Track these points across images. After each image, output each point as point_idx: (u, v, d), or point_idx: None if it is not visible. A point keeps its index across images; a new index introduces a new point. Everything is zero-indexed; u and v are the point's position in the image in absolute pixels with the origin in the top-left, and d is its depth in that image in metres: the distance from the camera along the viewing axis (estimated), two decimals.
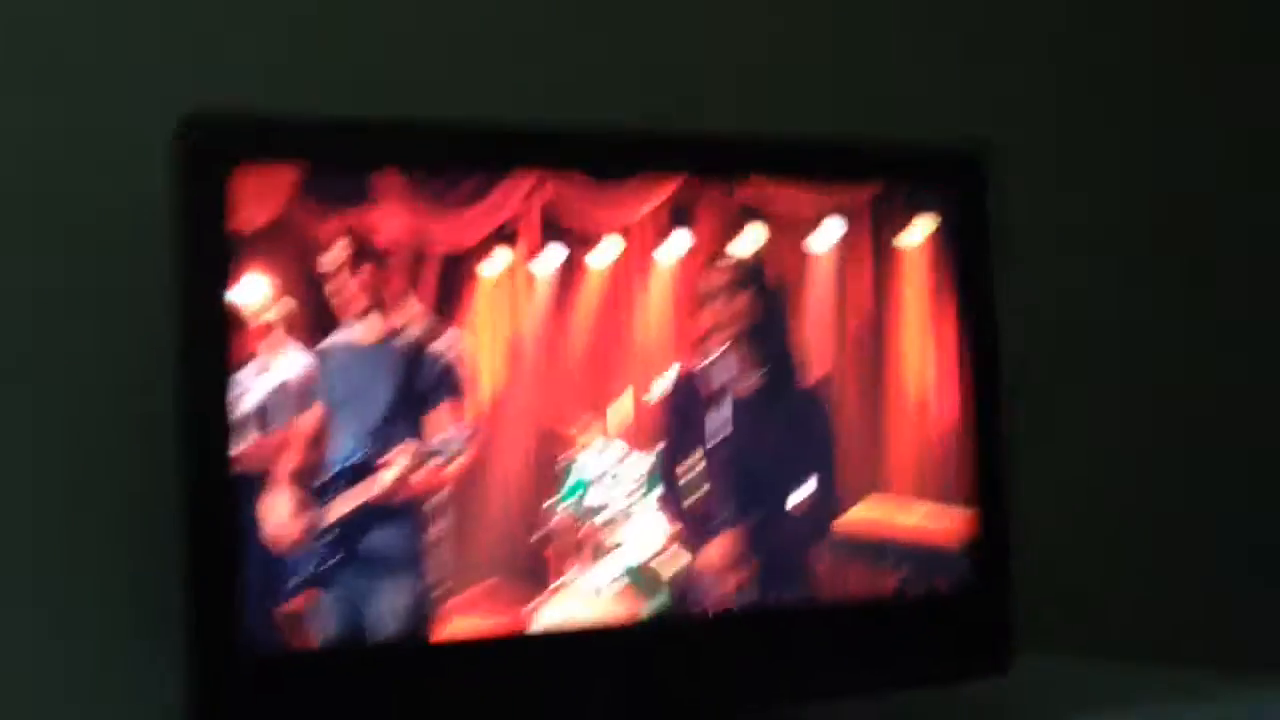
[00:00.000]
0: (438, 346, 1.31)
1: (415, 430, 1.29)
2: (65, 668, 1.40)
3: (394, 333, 1.29)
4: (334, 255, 1.27)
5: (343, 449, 1.28)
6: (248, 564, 1.23)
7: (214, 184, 1.23)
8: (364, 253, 1.28)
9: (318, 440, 1.27)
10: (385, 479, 1.27)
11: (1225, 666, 1.74)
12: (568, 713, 1.36)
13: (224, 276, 1.23)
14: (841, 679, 1.48)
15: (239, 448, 1.22)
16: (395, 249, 1.29)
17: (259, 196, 1.23)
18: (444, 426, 1.29)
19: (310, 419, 1.27)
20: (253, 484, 1.25)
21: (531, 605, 1.37)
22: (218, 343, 1.23)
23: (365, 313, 1.28)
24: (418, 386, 1.29)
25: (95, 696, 1.41)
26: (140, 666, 1.40)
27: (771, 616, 1.46)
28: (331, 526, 1.26)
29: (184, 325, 1.22)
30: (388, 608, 1.28)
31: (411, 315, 1.30)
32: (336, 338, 1.29)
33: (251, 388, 1.25)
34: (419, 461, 1.27)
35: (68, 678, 1.40)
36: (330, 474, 1.27)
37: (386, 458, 1.28)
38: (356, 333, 1.29)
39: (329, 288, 1.27)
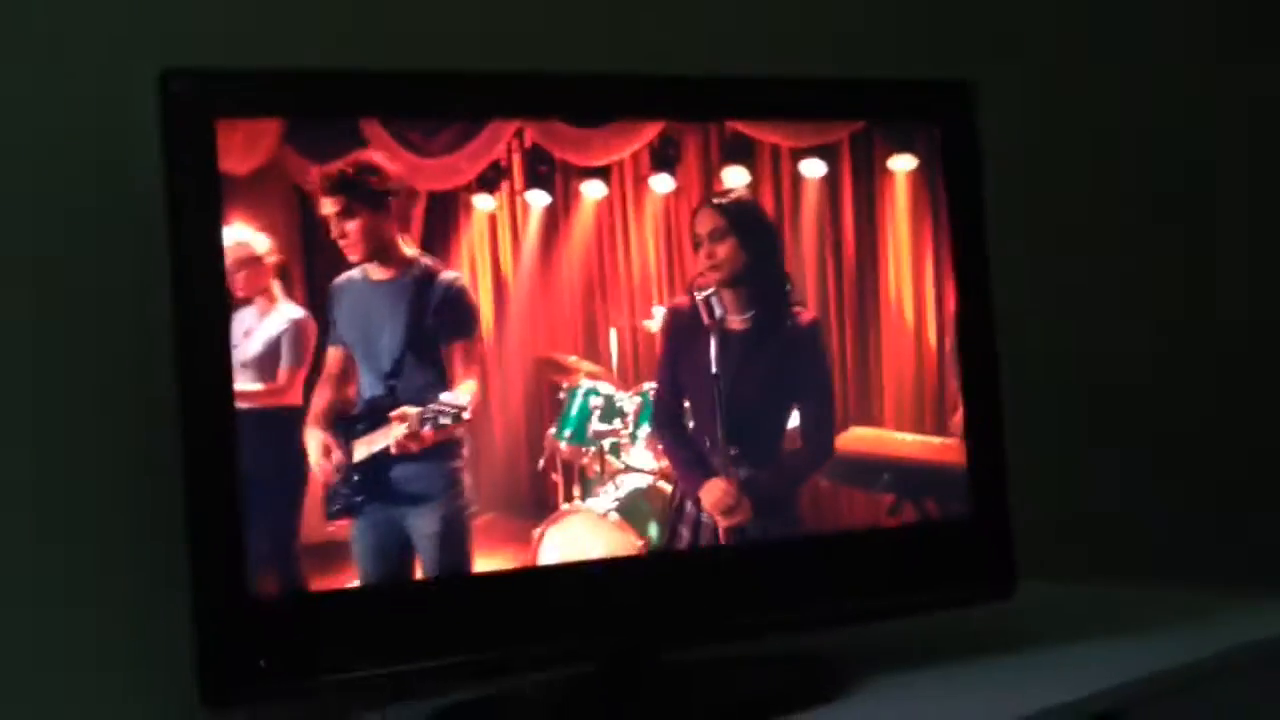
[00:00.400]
0: (445, 283, 1.33)
1: (432, 368, 1.31)
2: (69, 616, 1.40)
3: (403, 272, 1.31)
4: (329, 200, 1.29)
5: (365, 390, 1.31)
6: (250, 504, 1.25)
7: (196, 136, 1.24)
8: (360, 196, 1.29)
9: (339, 380, 1.30)
10: (398, 432, 1.29)
11: (1228, 586, 1.75)
12: (574, 643, 1.38)
13: (211, 224, 1.25)
14: (846, 608, 1.49)
15: (241, 388, 1.25)
16: (389, 191, 1.31)
17: (244, 146, 1.25)
18: (457, 366, 1.31)
19: (332, 360, 1.30)
20: (257, 424, 1.26)
21: (538, 530, 1.39)
22: (209, 287, 1.25)
23: (369, 256, 1.30)
24: (430, 324, 1.31)
25: (102, 645, 1.42)
26: (147, 610, 1.41)
27: (772, 548, 1.47)
28: (355, 466, 1.29)
29: (175, 271, 1.24)
30: (413, 540, 1.31)
31: (414, 255, 1.32)
32: (347, 279, 1.30)
33: (252, 330, 1.28)
34: (427, 421, 1.29)
35: (71, 627, 1.41)
36: (353, 413, 1.30)
37: (400, 410, 1.30)
38: (366, 274, 1.31)
39: (330, 232, 1.29)
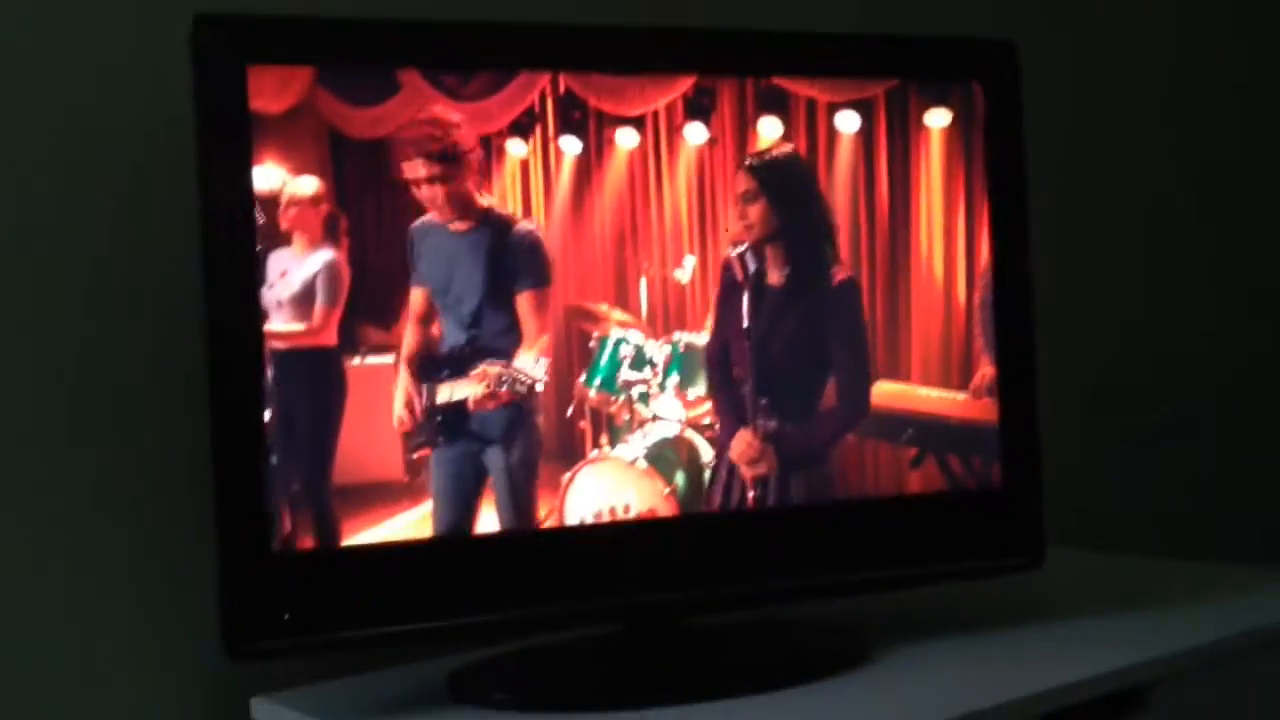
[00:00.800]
0: (520, 234, 1.36)
1: (507, 316, 1.35)
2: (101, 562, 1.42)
3: (480, 223, 1.34)
4: (417, 164, 1.31)
5: (447, 336, 1.34)
6: (281, 447, 1.26)
7: (227, 81, 1.24)
8: (442, 158, 1.32)
9: (423, 320, 1.33)
10: (477, 391, 1.34)
11: (1258, 562, 1.73)
12: (598, 604, 1.38)
13: (240, 167, 1.24)
14: (871, 576, 1.47)
15: (276, 328, 1.27)
16: (467, 148, 1.33)
17: (277, 88, 1.26)
18: (529, 314, 1.35)
19: (416, 300, 1.33)
20: (292, 364, 1.27)
21: (566, 475, 1.40)
22: (238, 229, 1.24)
23: (455, 216, 1.34)
24: (505, 274, 1.35)
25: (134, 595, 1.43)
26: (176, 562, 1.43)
27: (798, 513, 1.46)
28: (438, 408, 1.33)
29: (204, 214, 1.24)
30: (490, 473, 1.36)
31: (490, 205, 1.35)
32: (425, 224, 1.33)
33: (289, 270, 1.29)
34: (504, 384, 1.34)
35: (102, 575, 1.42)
36: (437, 357, 1.34)
37: (481, 369, 1.34)
38: (445, 224, 1.33)
39: (413, 193, 1.32)
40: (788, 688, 1.34)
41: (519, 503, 1.36)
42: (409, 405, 1.32)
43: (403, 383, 1.32)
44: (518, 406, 1.35)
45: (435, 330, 1.34)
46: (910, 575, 1.49)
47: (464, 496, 1.35)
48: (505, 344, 1.35)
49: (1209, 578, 1.69)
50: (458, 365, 1.34)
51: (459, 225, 1.34)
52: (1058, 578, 1.60)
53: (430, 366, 1.33)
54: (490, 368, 1.33)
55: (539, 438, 1.37)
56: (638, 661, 1.42)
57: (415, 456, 1.34)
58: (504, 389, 1.33)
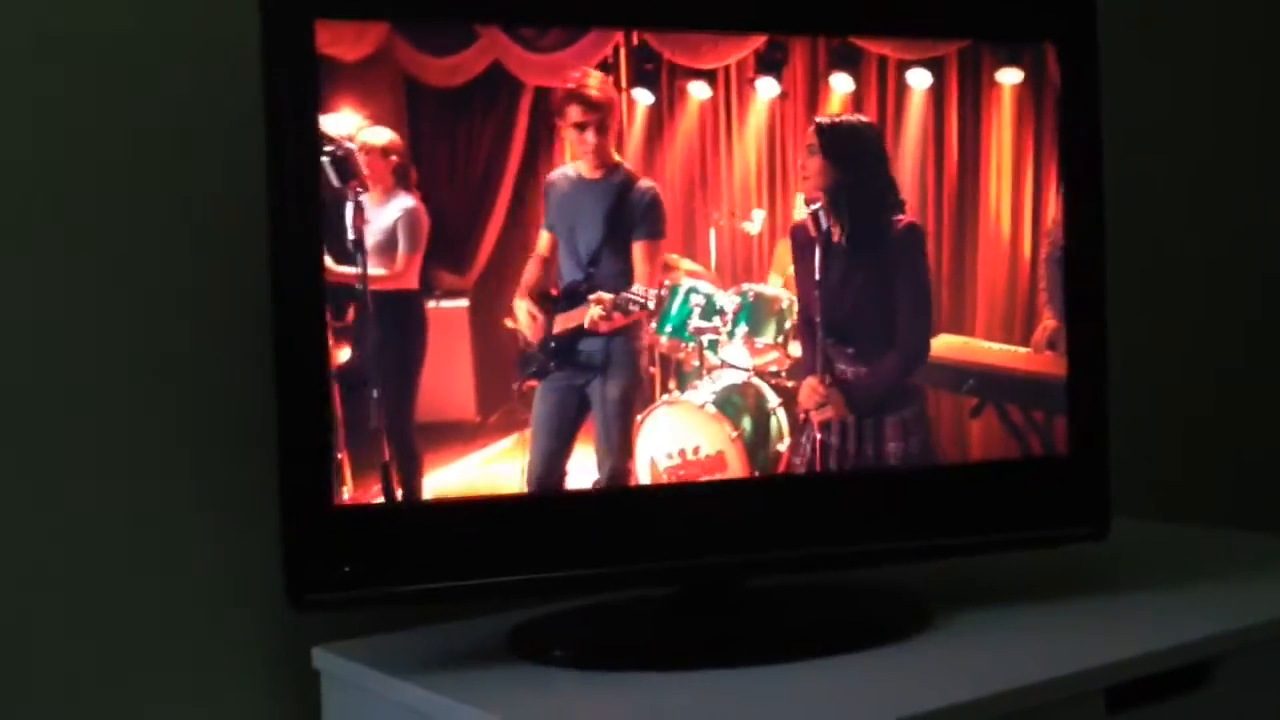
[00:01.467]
0: (643, 189, 1.40)
1: (623, 262, 1.40)
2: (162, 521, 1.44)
3: (610, 174, 1.39)
4: (575, 113, 1.36)
5: (565, 273, 1.39)
6: (362, 392, 1.28)
7: (295, 34, 1.24)
8: (591, 108, 1.37)
9: (547, 260, 1.39)
10: (594, 313, 1.39)
11: None
12: (658, 564, 1.37)
13: (309, 120, 1.25)
14: (936, 542, 1.46)
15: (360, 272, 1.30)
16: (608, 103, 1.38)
17: (352, 37, 1.27)
18: (643, 263, 1.41)
19: (544, 243, 1.39)
20: (377, 305, 1.30)
21: (639, 417, 1.42)
22: (305, 181, 1.25)
23: (598, 165, 1.39)
24: (626, 223, 1.40)
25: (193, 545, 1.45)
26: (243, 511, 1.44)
27: (860, 478, 1.46)
28: (553, 336, 1.39)
29: (271, 169, 1.24)
30: (592, 404, 1.41)
31: (619, 160, 1.40)
32: (561, 174, 1.39)
33: (370, 218, 1.32)
34: (619, 307, 1.39)
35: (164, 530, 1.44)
36: (555, 292, 1.40)
37: (598, 294, 1.38)
38: (579, 172, 1.39)
39: (566, 146, 1.37)
40: (847, 653, 1.34)
41: (618, 435, 1.40)
42: (531, 320, 1.38)
43: (524, 308, 1.37)
44: (624, 337, 1.40)
45: (555, 269, 1.39)
46: (972, 543, 1.48)
47: (564, 429, 1.39)
48: (618, 286, 1.39)
49: (1276, 550, 1.67)
50: (575, 298, 1.39)
51: (594, 174, 1.38)
52: (1122, 548, 1.58)
53: (548, 299, 1.39)
54: (605, 294, 1.39)
55: (641, 372, 1.42)
56: (697, 622, 1.42)
57: (523, 387, 1.38)
58: (618, 313, 1.39)
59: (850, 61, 1.44)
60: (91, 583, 1.39)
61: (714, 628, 1.41)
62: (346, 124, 1.28)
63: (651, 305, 1.40)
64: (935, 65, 1.46)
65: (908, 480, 1.46)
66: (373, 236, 1.31)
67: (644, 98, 1.39)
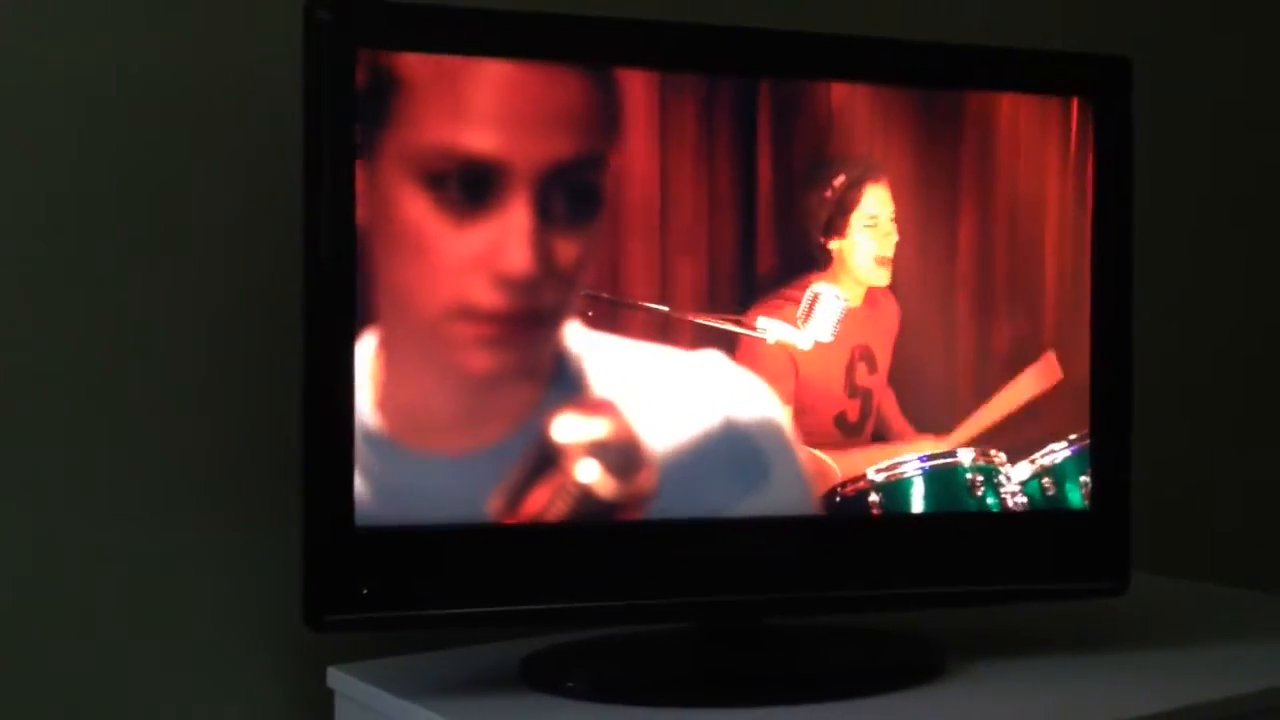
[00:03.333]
0: None
1: None
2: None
3: None
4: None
5: None
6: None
7: (337, 62, 1.25)
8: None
9: None
10: None
11: None
12: (675, 599, 1.37)
13: (347, 141, 1.26)
14: (953, 590, 1.46)
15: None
16: None
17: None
18: None
19: None
20: None
21: None
22: (342, 211, 1.26)
23: None
24: None
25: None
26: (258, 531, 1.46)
27: (882, 522, 1.45)
28: None
29: (308, 200, 1.26)
30: None
31: None
32: None
33: None
34: None
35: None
36: None
37: None
38: None
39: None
40: (864, 696, 1.34)
41: None
42: None
43: None
44: None
45: None
46: (990, 593, 1.47)
47: None
48: None
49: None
50: None
51: None
52: (1141, 604, 1.58)
53: None
54: None
55: None
56: (712, 660, 1.42)
57: None
58: None
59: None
60: (106, 597, 1.40)
61: (728, 666, 1.41)
62: None
63: None
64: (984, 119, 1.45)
65: (928, 527, 1.46)
66: None
67: None
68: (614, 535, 1.35)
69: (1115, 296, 1.50)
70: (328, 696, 1.42)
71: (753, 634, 1.43)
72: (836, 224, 1.41)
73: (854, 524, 1.43)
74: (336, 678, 1.41)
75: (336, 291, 1.25)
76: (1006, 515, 1.48)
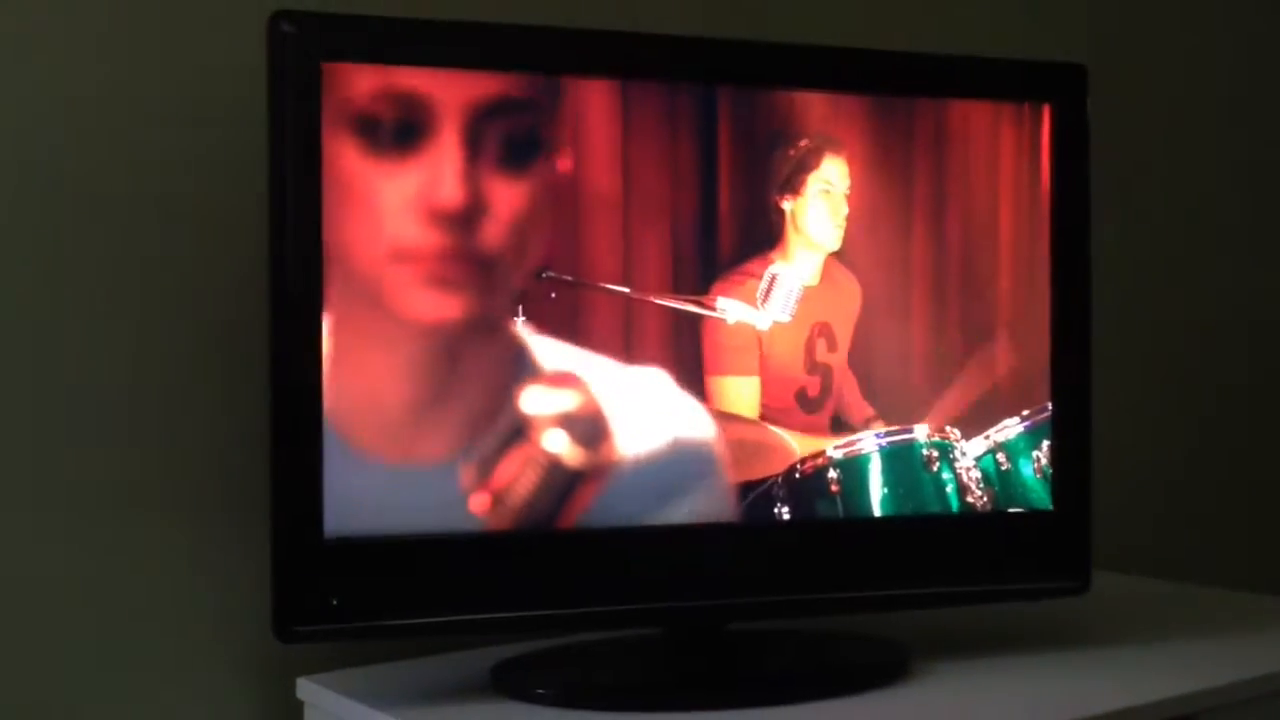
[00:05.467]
0: None
1: None
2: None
3: None
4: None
5: None
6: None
7: (300, 75, 1.26)
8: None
9: None
10: None
11: None
12: (642, 605, 1.39)
13: (313, 161, 1.26)
14: (916, 592, 1.47)
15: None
16: None
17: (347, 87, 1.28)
18: None
19: None
20: None
21: None
22: (307, 229, 1.27)
23: None
24: None
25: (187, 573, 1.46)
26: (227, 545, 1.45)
27: (845, 524, 1.47)
28: None
29: (274, 217, 1.26)
30: None
31: None
32: None
33: None
34: None
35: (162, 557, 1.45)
36: None
37: None
38: None
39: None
40: (829, 698, 1.35)
41: None
42: None
43: None
44: None
45: None
46: (952, 594, 1.49)
47: None
48: None
49: (1257, 607, 1.68)
50: None
51: None
52: (1102, 602, 1.59)
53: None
54: None
55: None
56: (678, 664, 1.43)
57: None
58: None
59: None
60: (72, 606, 1.39)
61: (694, 670, 1.42)
62: None
63: None
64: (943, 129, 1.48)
65: (891, 529, 1.47)
66: None
67: None
68: (579, 542, 1.36)
69: (1072, 282, 1.51)
70: (298, 707, 1.42)
71: (719, 638, 1.44)
72: (794, 182, 1.42)
73: (818, 528, 1.45)
74: (306, 688, 1.41)
75: (302, 323, 1.26)
76: (969, 516, 1.49)
